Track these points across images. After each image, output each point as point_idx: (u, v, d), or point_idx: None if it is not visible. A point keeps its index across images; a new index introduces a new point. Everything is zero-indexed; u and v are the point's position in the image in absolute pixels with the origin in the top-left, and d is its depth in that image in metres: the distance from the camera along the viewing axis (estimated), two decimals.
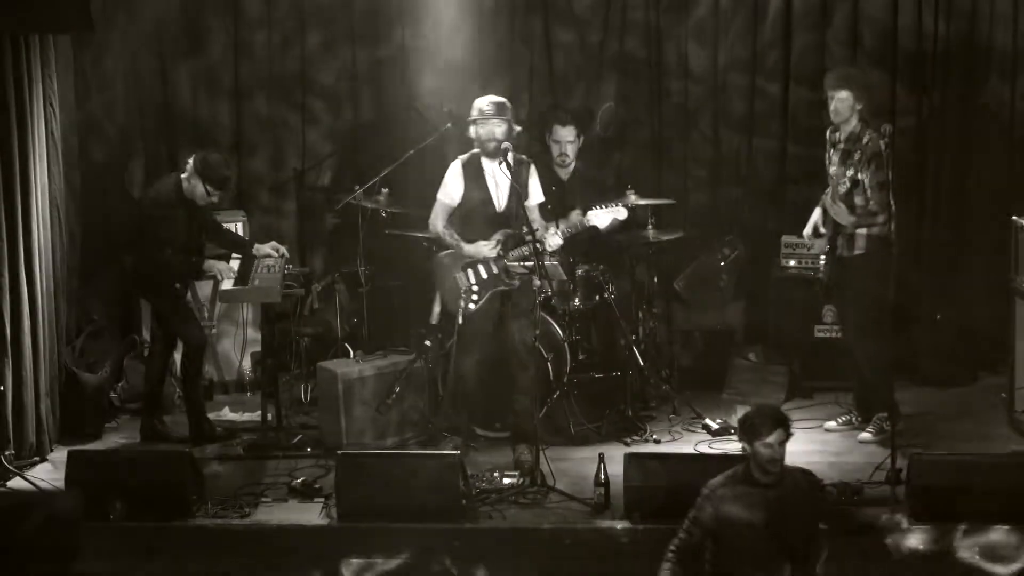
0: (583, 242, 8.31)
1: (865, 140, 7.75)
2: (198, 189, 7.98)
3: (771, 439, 5.86)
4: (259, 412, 8.21)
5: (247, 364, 9.33)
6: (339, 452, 7.30)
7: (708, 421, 8.26)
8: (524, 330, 7.56)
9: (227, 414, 8.81)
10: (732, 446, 6.28)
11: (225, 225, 8.61)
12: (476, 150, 7.73)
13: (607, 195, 8.62)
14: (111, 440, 8.38)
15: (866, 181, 7.73)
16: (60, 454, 7.77)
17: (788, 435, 5.94)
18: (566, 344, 8.24)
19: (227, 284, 8.02)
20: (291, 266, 8.36)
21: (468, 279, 7.72)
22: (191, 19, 9.62)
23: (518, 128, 7.80)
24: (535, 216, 7.83)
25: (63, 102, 8.51)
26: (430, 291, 8.93)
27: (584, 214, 7.82)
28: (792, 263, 8.97)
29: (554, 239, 7.70)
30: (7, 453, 7.62)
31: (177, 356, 8.46)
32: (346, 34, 9.70)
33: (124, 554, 6.81)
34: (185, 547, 6.93)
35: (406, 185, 9.51)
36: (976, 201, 9.41)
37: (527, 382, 7.60)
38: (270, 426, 8.06)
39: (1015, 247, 8.14)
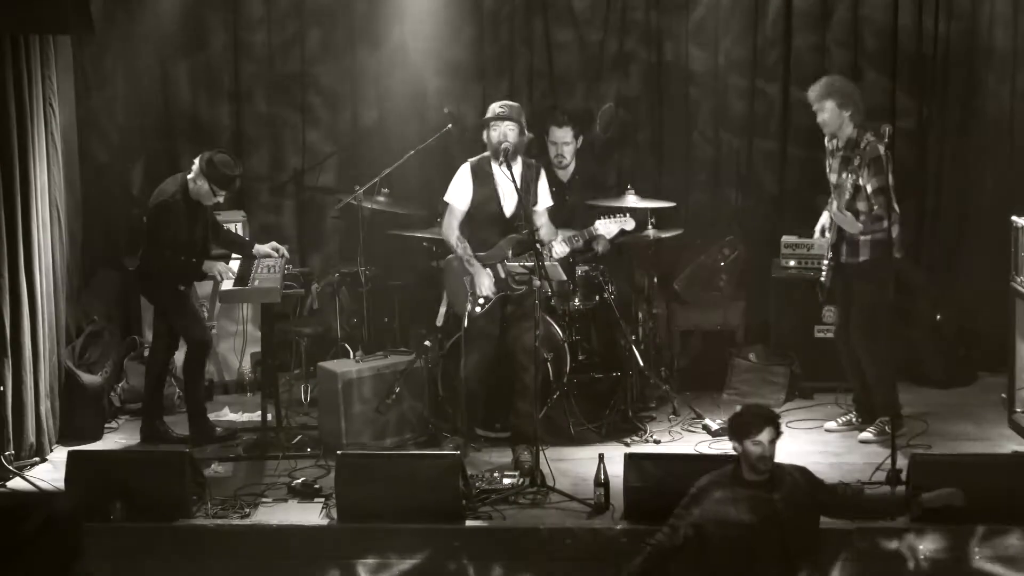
0: (587, 248, 8.31)
1: (863, 145, 7.75)
2: (204, 189, 7.97)
3: (761, 437, 5.88)
4: (259, 412, 8.20)
5: (247, 364, 9.33)
6: (339, 452, 7.30)
7: (708, 421, 8.26)
8: (525, 332, 7.56)
9: (227, 414, 8.81)
10: (732, 446, 6.26)
11: (225, 225, 8.61)
12: (486, 153, 7.73)
13: (607, 195, 8.64)
14: (111, 440, 8.37)
15: (867, 186, 7.73)
16: (60, 454, 7.78)
17: (778, 433, 5.96)
18: (566, 344, 8.24)
19: (227, 284, 8.02)
20: (291, 266, 8.36)
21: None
22: (191, 18, 9.61)
23: (529, 133, 7.80)
24: (544, 220, 7.83)
25: (63, 102, 8.51)
26: (431, 291, 8.96)
27: (589, 225, 7.86)
28: (792, 263, 8.96)
29: (560, 247, 7.71)
30: (7, 453, 7.62)
31: (177, 357, 8.45)
32: (346, 34, 9.70)
33: (124, 554, 6.81)
34: (185, 547, 6.93)
35: (406, 185, 9.52)
36: (976, 202, 9.41)
37: (528, 383, 7.59)
38: (270, 426, 8.05)
39: (1015, 247, 8.14)
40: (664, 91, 9.68)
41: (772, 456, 5.95)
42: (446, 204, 7.82)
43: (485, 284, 7.69)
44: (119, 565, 6.74)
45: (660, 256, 9.12)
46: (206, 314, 9.02)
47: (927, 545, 6.61)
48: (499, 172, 7.64)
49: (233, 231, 8.74)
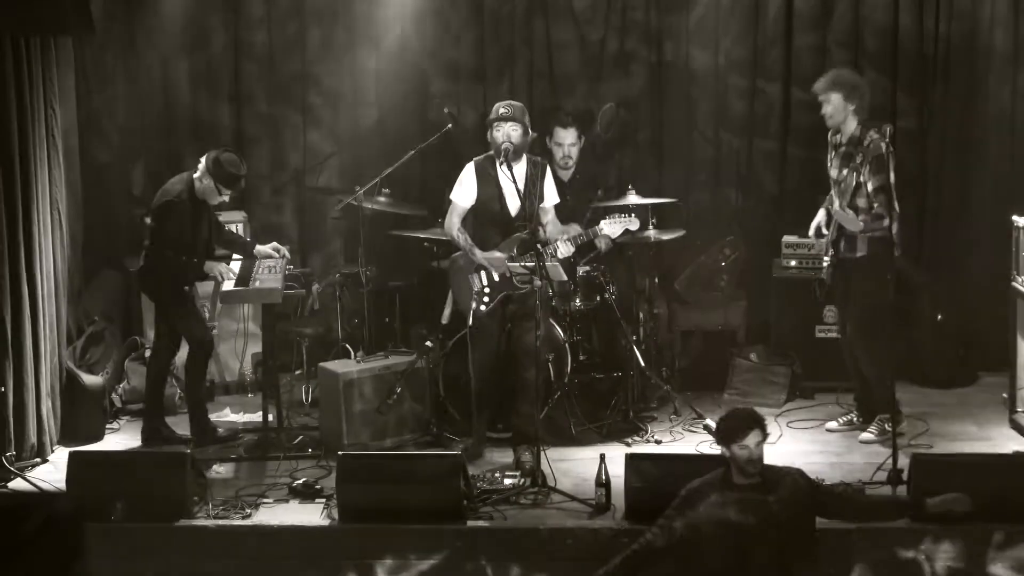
0: (589, 246, 8.31)
1: (866, 143, 7.75)
2: (210, 187, 7.97)
3: (747, 441, 5.87)
4: (260, 413, 8.20)
5: (248, 365, 9.33)
6: (340, 453, 7.30)
7: (709, 421, 8.24)
8: (526, 332, 7.57)
9: (228, 415, 8.81)
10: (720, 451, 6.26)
11: (227, 226, 8.61)
12: (491, 152, 7.74)
13: (608, 195, 8.64)
14: (112, 441, 8.37)
15: (868, 184, 7.73)
16: (61, 455, 7.78)
17: (765, 435, 5.95)
18: (567, 344, 8.24)
19: (228, 285, 8.01)
20: (292, 267, 8.35)
21: (481, 280, 7.75)
22: (192, 18, 9.61)
23: (533, 133, 7.81)
24: (550, 218, 7.83)
25: (64, 102, 8.51)
26: (432, 291, 8.97)
27: (593, 225, 7.87)
28: (793, 263, 8.97)
29: (564, 248, 7.71)
30: (8, 454, 7.62)
31: (178, 357, 8.44)
32: (347, 34, 9.69)
33: (125, 555, 6.81)
34: (186, 548, 6.92)
35: (407, 186, 9.52)
36: (977, 201, 9.41)
37: (529, 383, 7.60)
38: (271, 427, 8.05)
39: (1016, 247, 8.14)
40: (664, 91, 9.68)
41: (760, 458, 5.94)
42: (450, 201, 7.82)
43: (497, 264, 7.66)
44: (120, 565, 6.75)
45: (661, 256, 9.13)
46: (207, 314, 9.02)
47: (943, 553, 6.60)
48: (504, 171, 7.65)
49: (234, 231, 8.74)
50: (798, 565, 5.96)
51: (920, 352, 9.10)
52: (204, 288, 8.79)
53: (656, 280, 8.96)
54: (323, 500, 7.20)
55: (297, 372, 8.97)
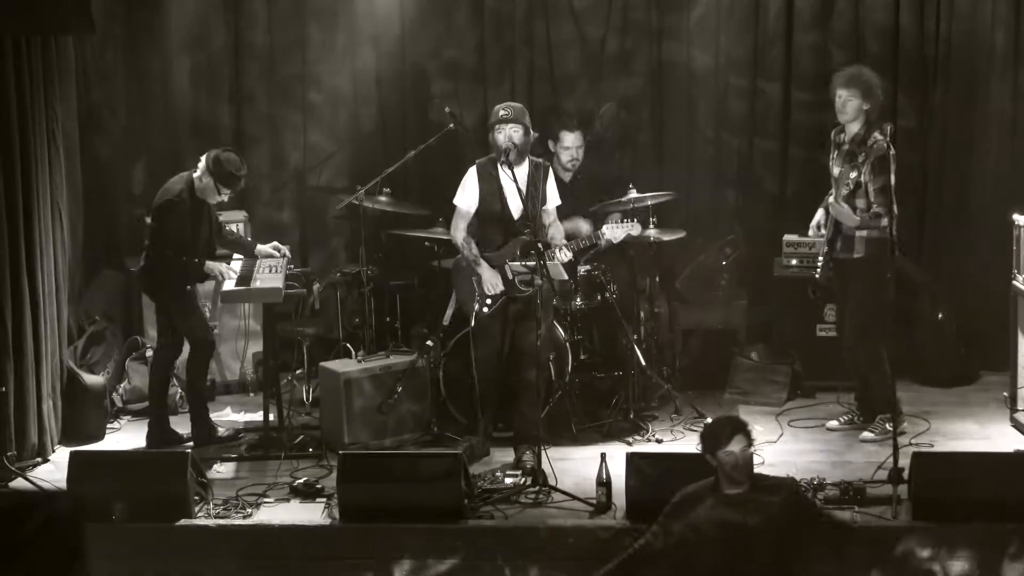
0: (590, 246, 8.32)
1: (870, 142, 7.74)
2: (209, 186, 7.96)
3: (731, 447, 5.84)
4: (261, 412, 8.20)
5: (249, 365, 9.33)
6: (341, 452, 7.30)
7: (710, 421, 8.24)
8: (528, 332, 7.57)
9: (229, 414, 8.81)
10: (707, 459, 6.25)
11: (227, 225, 8.60)
12: (493, 154, 7.74)
13: (608, 195, 8.63)
14: (113, 441, 8.38)
15: (870, 184, 7.72)
16: (62, 455, 7.79)
17: (750, 440, 5.91)
18: (568, 344, 8.25)
19: (229, 285, 8.01)
20: (293, 266, 8.35)
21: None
22: (193, 17, 9.61)
23: (535, 133, 7.82)
24: (552, 219, 7.84)
25: (65, 102, 8.51)
26: (433, 291, 8.98)
27: (598, 228, 7.88)
28: (794, 262, 8.97)
29: (563, 255, 7.71)
30: (9, 454, 7.63)
31: (179, 358, 8.44)
32: (348, 33, 9.69)
33: (126, 555, 6.82)
34: (187, 548, 6.93)
35: (408, 185, 9.53)
36: (977, 200, 9.40)
37: (530, 383, 7.60)
38: (272, 426, 8.05)
39: (1017, 246, 8.14)
40: (665, 91, 9.67)
41: (748, 463, 5.90)
42: (454, 207, 7.83)
43: (492, 282, 7.69)
44: (121, 565, 6.75)
45: (662, 255, 9.14)
46: (208, 314, 9.02)
47: (958, 562, 6.59)
48: (504, 173, 7.66)
49: (235, 231, 8.74)
50: (789, 571, 5.94)
51: (921, 351, 9.10)
52: (205, 288, 8.79)
53: (657, 279, 8.96)
54: (324, 500, 7.21)
55: (298, 372, 8.97)
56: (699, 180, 9.73)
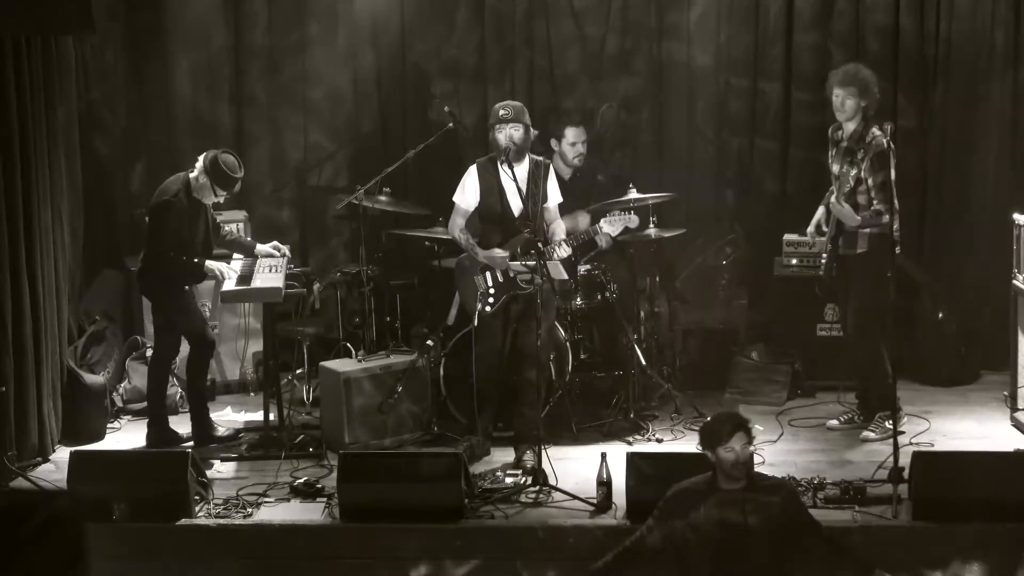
0: (591, 246, 8.32)
1: (868, 139, 7.75)
2: (206, 187, 7.96)
3: (732, 443, 5.81)
4: (261, 412, 8.20)
5: (249, 364, 9.33)
6: (341, 452, 7.31)
7: (711, 417, 8.24)
8: (529, 332, 7.57)
9: (229, 414, 8.82)
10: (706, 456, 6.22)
11: (227, 225, 8.60)
12: (494, 153, 7.75)
13: (609, 194, 8.63)
14: (113, 440, 8.38)
15: (869, 181, 7.73)
16: (62, 454, 7.78)
17: (750, 438, 5.89)
18: (568, 343, 8.25)
19: (229, 284, 8.00)
20: (293, 265, 8.35)
21: (486, 282, 7.76)
22: (193, 17, 9.61)
23: (535, 131, 7.83)
24: (554, 218, 7.84)
25: (64, 102, 8.51)
26: (433, 291, 8.97)
27: (595, 222, 7.88)
28: (794, 262, 8.96)
29: (561, 251, 7.72)
30: (9, 453, 7.62)
31: (179, 357, 8.44)
32: (348, 33, 9.69)
33: (127, 555, 6.82)
34: (188, 547, 6.93)
35: (408, 185, 9.52)
36: (978, 200, 9.40)
37: (531, 384, 7.61)
38: (272, 426, 8.05)
39: (1017, 245, 8.14)
40: (665, 91, 9.67)
41: (748, 461, 5.89)
42: (454, 204, 7.84)
43: (498, 259, 7.68)
44: (122, 565, 6.75)
45: (662, 255, 9.13)
46: (207, 314, 9.02)
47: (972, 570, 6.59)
48: (504, 172, 7.66)
49: (234, 231, 8.73)
50: (786, 570, 5.93)
51: (921, 350, 9.10)
52: (205, 287, 8.79)
53: (657, 279, 8.96)
54: (324, 499, 7.21)
55: (298, 371, 8.97)
56: (699, 180, 9.73)
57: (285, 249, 8.33)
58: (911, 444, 7.69)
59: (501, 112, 7.72)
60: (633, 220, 7.89)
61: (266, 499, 7.26)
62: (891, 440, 7.11)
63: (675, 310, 9.27)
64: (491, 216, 7.77)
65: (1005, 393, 8.41)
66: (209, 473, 7.49)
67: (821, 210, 8.15)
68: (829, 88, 7.93)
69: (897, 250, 7.84)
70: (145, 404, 8.43)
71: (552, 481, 7.25)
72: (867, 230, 7.80)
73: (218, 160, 7.90)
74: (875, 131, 7.72)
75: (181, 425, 8.33)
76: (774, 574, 5.87)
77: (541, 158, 7.92)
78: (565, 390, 8.23)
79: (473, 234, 7.83)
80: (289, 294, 8.13)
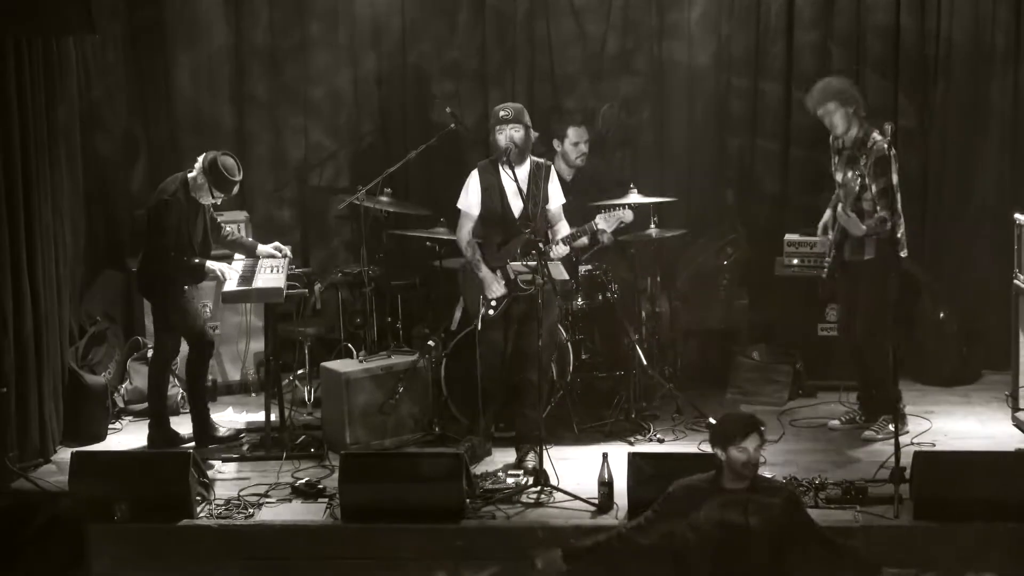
0: (592, 243, 8.32)
1: (870, 144, 7.75)
2: (203, 188, 7.96)
3: (746, 444, 5.80)
4: (262, 413, 8.20)
5: (250, 365, 9.33)
6: (342, 452, 7.31)
7: (712, 420, 8.21)
8: (531, 334, 7.58)
9: (230, 415, 8.82)
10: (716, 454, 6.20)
11: (228, 226, 8.60)
12: (494, 156, 7.75)
13: (610, 194, 8.63)
14: (115, 441, 8.38)
15: (873, 186, 7.72)
16: (64, 455, 7.78)
17: (763, 440, 5.88)
18: (569, 344, 8.25)
19: (230, 285, 8.00)
20: (294, 266, 8.35)
21: None
22: (194, 16, 9.61)
23: (535, 132, 7.83)
24: (557, 219, 7.84)
25: (66, 101, 8.50)
26: (434, 291, 8.97)
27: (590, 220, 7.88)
28: (795, 262, 8.96)
29: (559, 249, 7.72)
30: (11, 455, 7.63)
31: (179, 358, 8.44)
32: (350, 33, 9.69)
33: (128, 555, 6.82)
34: (189, 548, 6.93)
35: (409, 185, 9.52)
36: (979, 200, 9.40)
37: (532, 385, 7.61)
38: (273, 427, 8.05)
39: (1018, 245, 8.14)
40: (665, 91, 9.67)
41: (757, 463, 5.89)
42: (459, 211, 7.84)
43: (493, 288, 7.70)
44: (123, 566, 6.75)
45: (663, 255, 9.13)
46: (208, 314, 9.03)
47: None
48: (508, 174, 7.66)
49: (235, 231, 8.73)
50: (791, 568, 5.92)
51: (923, 350, 9.10)
52: (205, 288, 8.79)
53: (658, 279, 8.96)
54: (326, 500, 7.21)
55: (299, 372, 8.98)
56: (699, 180, 9.73)
57: (286, 250, 8.33)
58: (913, 444, 7.69)
59: (501, 113, 7.73)
60: (627, 215, 7.87)
61: (267, 499, 7.27)
62: (892, 440, 7.10)
63: (676, 310, 9.26)
64: (492, 217, 7.78)
65: (1006, 393, 8.42)
66: (210, 474, 7.49)
67: (828, 212, 8.14)
68: (813, 111, 7.94)
69: (903, 254, 7.85)
70: (146, 405, 8.42)
71: (553, 481, 7.25)
72: (873, 236, 7.79)
73: (217, 162, 7.90)
74: (876, 136, 7.72)
75: (182, 426, 8.33)
76: (773, 575, 5.86)
77: (543, 160, 7.92)
78: (566, 390, 8.23)
79: (475, 233, 7.82)
80: (290, 295, 8.13)
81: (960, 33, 9.27)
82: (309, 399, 8.84)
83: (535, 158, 7.84)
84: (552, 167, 7.93)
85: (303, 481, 7.40)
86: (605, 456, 7.07)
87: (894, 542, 6.69)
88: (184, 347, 8.31)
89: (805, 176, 9.41)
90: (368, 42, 9.70)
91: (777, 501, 5.89)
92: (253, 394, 9.24)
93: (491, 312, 7.72)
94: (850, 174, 7.80)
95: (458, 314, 8.29)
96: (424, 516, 6.88)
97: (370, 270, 8.78)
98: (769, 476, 6.33)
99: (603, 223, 7.81)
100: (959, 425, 8.30)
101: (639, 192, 8.47)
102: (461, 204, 7.83)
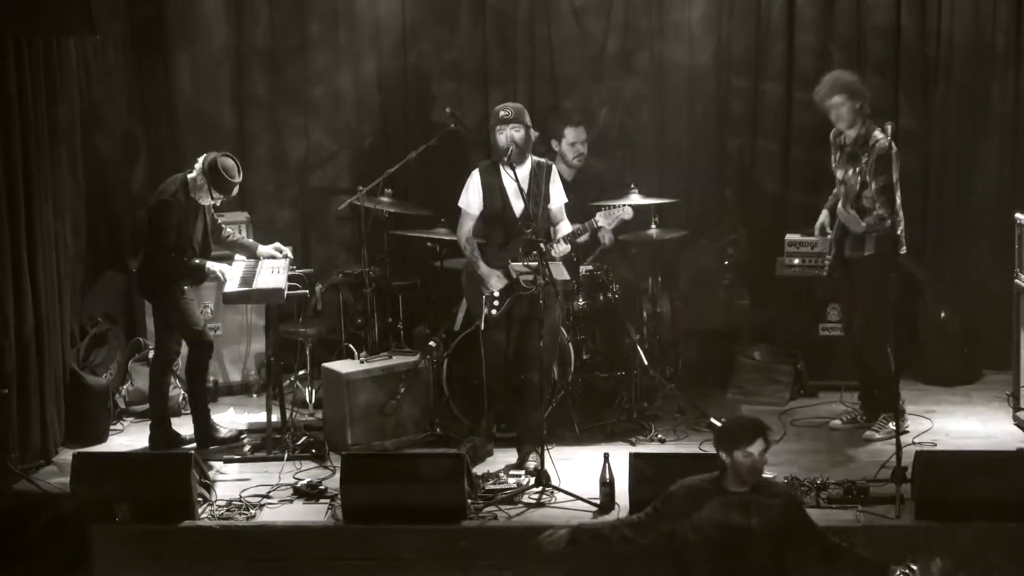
0: (593, 242, 8.32)
1: (872, 142, 7.75)
2: (203, 189, 7.96)
3: (752, 448, 5.78)
4: (263, 413, 8.20)
5: (251, 366, 9.33)
6: (344, 453, 7.31)
7: (713, 420, 8.21)
8: (533, 335, 7.58)
9: (231, 415, 8.82)
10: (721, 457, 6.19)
11: (229, 226, 8.60)
12: (495, 156, 7.75)
13: (610, 194, 8.63)
14: (116, 442, 8.37)
15: (873, 183, 7.73)
16: (65, 456, 7.78)
17: (768, 445, 5.86)
18: (570, 344, 8.25)
19: (231, 286, 8.00)
20: (295, 267, 8.35)
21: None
22: (195, 16, 9.61)
23: (535, 132, 7.83)
24: (560, 218, 7.84)
25: (66, 102, 8.50)
26: (435, 292, 8.97)
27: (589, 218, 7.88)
28: (796, 262, 8.96)
29: (560, 247, 7.72)
30: (12, 456, 7.63)
31: (180, 359, 8.44)
32: (350, 34, 9.69)
33: (130, 556, 6.82)
34: (191, 549, 6.93)
35: (409, 186, 9.52)
36: (980, 199, 9.40)
37: (533, 387, 7.61)
38: (275, 427, 8.05)
39: (1019, 244, 8.14)
40: (666, 90, 9.67)
41: (763, 468, 5.87)
42: (460, 209, 7.84)
43: (492, 282, 7.70)
44: (125, 567, 6.75)
45: (664, 255, 9.13)
46: (210, 315, 9.03)
47: None
48: (508, 174, 7.67)
49: (236, 232, 8.72)
50: (793, 568, 5.91)
51: (924, 350, 9.10)
52: (206, 289, 8.79)
53: (659, 279, 8.96)
54: (327, 500, 7.21)
55: (301, 373, 8.98)
56: (700, 180, 9.73)
57: (287, 250, 8.33)
58: (914, 444, 7.69)
59: (501, 113, 7.73)
60: (627, 212, 7.86)
61: (269, 500, 7.27)
62: (894, 440, 7.10)
63: (677, 310, 9.26)
64: (493, 217, 7.78)
65: (1008, 392, 8.42)
66: (211, 475, 7.49)
67: (825, 212, 8.15)
68: (819, 103, 7.93)
69: (902, 251, 7.85)
70: (147, 406, 8.42)
71: (555, 482, 7.25)
72: (873, 233, 7.80)
73: (217, 163, 7.90)
74: (877, 134, 7.73)
75: (184, 427, 8.32)
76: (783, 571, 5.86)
77: (544, 160, 7.92)
78: (568, 391, 8.23)
79: (477, 233, 7.82)
80: (291, 295, 8.13)
81: (960, 33, 9.27)
82: (310, 400, 8.84)
83: (536, 158, 7.84)
84: (553, 167, 7.93)
85: (304, 482, 7.40)
86: (606, 456, 7.07)
87: (896, 542, 6.68)
88: (185, 348, 8.31)
89: (805, 176, 9.41)
90: (368, 42, 9.70)
91: (778, 502, 5.89)
92: (254, 395, 9.24)
93: (494, 312, 7.72)
94: (851, 171, 7.80)
95: (460, 315, 8.29)
96: (426, 517, 6.89)
97: (371, 271, 8.78)
98: (770, 476, 6.31)
99: (603, 220, 7.81)
100: (960, 425, 8.30)
101: (640, 193, 8.48)
102: (461, 203, 7.84)
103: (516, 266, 7.68)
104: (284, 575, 6.93)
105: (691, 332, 9.35)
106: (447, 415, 8.28)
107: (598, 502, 7.03)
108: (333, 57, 9.74)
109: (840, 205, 7.82)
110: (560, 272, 7.73)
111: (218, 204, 8.14)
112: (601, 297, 8.49)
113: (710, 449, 7.73)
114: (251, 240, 8.64)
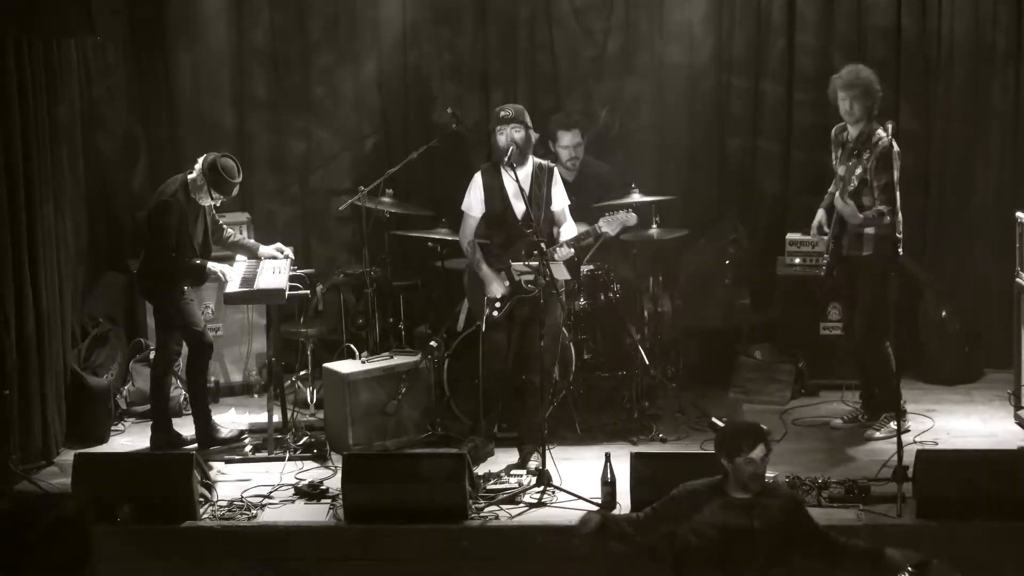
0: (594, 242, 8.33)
1: (874, 140, 7.75)
2: (202, 190, 7.96)
3: (753, 454, 5.74)
4: (265, 414, 8.20)
5: (252, 366, 9.34)
6: (345, 453, 7.31)
7: (714, 420, 8.23)
8: (534, 336, 7.58)
9: (233, 416, 8.82)
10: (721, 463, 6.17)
11: (230, 227, 8.60)
12: (496, 157, 7.76)
13: (611, 195, 8.63)
14: (117, 443, 8.38)
15: (874, 182, 7.72)
16: (67, 457, 7.78)
17: (769, 450, 5.82)
18: (571, 344, 8.25)
19: (232, 286, 8.00)
20: (296, 267, 8.35)
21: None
22: (196, 16, 9.61)
23: (536, 132, 7.83)
24: (562, 219, 7.84)
25: (67, 102, 8.50)
26: (436, 292, 8.97)
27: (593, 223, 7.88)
28: (797, 261, 8.97)
29: (562, 251, 7.72)
30: (14, 457, 7.62)
31: (181, 360, 8.44)
32: (351, 34, 9.70)
33: (131, 557, 6.82)
34: (192, 549, 6.94)
35: (410, 186, 9.52)
36: (981, 199, 9.40)
37: (534, 387, 7.62)
38: (276, 428, 8.05)
39: (1020, 243, 8.14)
40: (665, 91, 9.67)
41: (764, 474, 5.84)
42: (462, 212, 7.84)
43: (494, 287, 7.71)
44: (127, 567, 6.74)
45: (664, 255, 9.13)
46: (211, 315, 9.03)
47: None
48: (510, 175, 7.67)
49: (237, 233, 8.73)
50: (793, 569, 5.91)
51: (925, 349, 9.11)
52: (206, 290, 8.79)
53: (660, 278, 8.96)
54: (328, 500, 7.22)
55: (302, 373, 8.98)
56: (700, 180, 9.73)
57: (288, 251, 8.33)
58: (915, 443, 7.69)
59: (502, 113, 7.74)
60: (631, 218, 7.89)
61: (270, 501, 7.27)
62: (895, 439, 7.10)
63: (678, 310, 9.27)
64: (495, 218, 7.79)
65: (1009, 391, 8.42)
66: (213, 475, 7.49)
67: (821, 212, 8.15)
68: (832, 93, 7.91)
69: (900, 251, 7.84)
70: (149, 406, 8.42)
71: (556, 482, 7.26)
72: (872, 231, 7.80)
73: (216, 164, 7.90)
74: (880, 132, 7.73)
75: (185, 427, 8.32)
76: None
77: (545, 162, 7.92)
78: (569, 390, 8.23)
79: (478, 234, 7.83)
80: (292, 296, 8.13)
81: (960, 34, 9.27)
82: (311, 400, 8.84)
83: (537, 160, 7.84)
84: (555, 169, 7.94)
85: (306, 482, 7.41)
86: (608, 456, 7.08)
87: (897, 541, 6.65)
88: (186, 349, 8.31)
89: (806, 176, 9.41)
90: (369, 43, 9.70)
91: (779, 503, 5.88)
92: (255, 395, 9.24)
93: (495, 314, 7.73)
94: (851, 168, 7.79)
95: (463, 316, 8.29)
96: (427, 517, 6.89)
97: (372, 271, 8.78)
98: (771, 475, 6.31)
99: (606, 227, 7.83)
100: (961, 424, 8.30)
101: (640, 192, 8.48)
102: (464, 206, 7.85)
103: (517, 266, 7.69)
104: (286, 575, 6.93)
105: (692, 331, 9.35)
106: (448, 415, 8.29)
107: (600, 502, 7.03)
108: (334, 57, 9.74)
109: (838, 196, 7.81)
110: (561, 272, 7.74)
111: (218, 205, 8.14)
112: (602, 297, 8.50)
113: (711, 449, 7.77)
114: (252, 240, 8.64)
